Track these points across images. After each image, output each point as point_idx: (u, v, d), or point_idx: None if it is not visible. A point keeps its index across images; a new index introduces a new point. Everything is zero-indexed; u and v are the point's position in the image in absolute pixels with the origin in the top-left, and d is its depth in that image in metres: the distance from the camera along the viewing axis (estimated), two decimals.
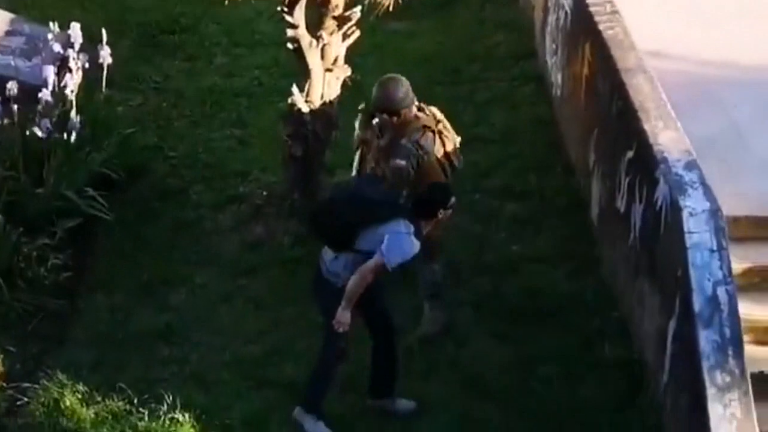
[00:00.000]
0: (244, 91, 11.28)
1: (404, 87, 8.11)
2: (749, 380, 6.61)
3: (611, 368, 7.90)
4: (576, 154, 9.86)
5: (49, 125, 9.02)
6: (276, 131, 9.94)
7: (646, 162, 7.73)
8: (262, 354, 8.07)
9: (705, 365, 6.66)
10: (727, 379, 6.59)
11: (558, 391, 7.79)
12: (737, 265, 7.44)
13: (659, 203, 7.46)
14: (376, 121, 8.24)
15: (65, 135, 9.13)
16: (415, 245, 7.11)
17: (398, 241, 7.06)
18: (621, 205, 8.26)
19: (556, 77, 10.67)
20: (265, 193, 9.61)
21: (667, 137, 7.68)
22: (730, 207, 7.51)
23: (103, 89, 10.09)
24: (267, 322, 8.37)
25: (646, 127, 7.80)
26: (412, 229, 7.13)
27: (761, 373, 7.18)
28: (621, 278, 8.28)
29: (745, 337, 7.06)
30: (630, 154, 8.09)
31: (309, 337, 8.15)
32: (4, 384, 7.58)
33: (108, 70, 9.90)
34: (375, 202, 7.27)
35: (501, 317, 8.48)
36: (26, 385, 7.57)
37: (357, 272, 7.09)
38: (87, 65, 9.55)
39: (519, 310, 8.52)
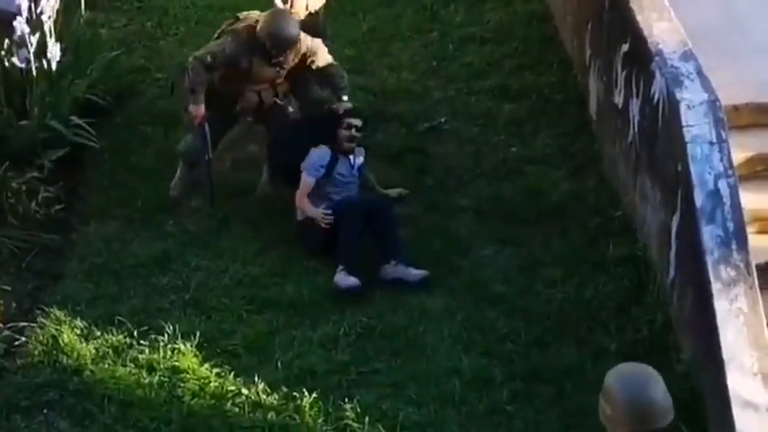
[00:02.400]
0: (230, 5, 10.96)
1: None
2: (755, 273, 6.46)
3: (616, 267, 7.77)
4: (571, 49, 9.63)
5: (27, 55, 8.78)
6: None
7: (641, 55, 7.52)
8: (261, 275, 7.94)
9: (709, 260, 6.53)
10: (732, 273, 6.45)
11: (563, 292, 7.67)
12: (739, 155, 7.28)
13: (656, 97, 7.26)
14: None
15: (46, 63, 8.90)
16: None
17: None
18: (618, 100, 8.06)
19: None
20: None
21: (662, 28, 7.46)
22: (730, 95, 7.32)
23: (83, 12, 9.86)
24: (265, 242, 8.22)
25: (639, 18, 7.57)
26: None
27: (767, 263, 7.05)
28: (622, 175, 8.11)
29: (750, 228, 6.92)
30: (625, 47, 7.87)
31: (309, 257, 8.06)
32: (1, 324, 7.46)
33: None
34: None
35: (502, 221, 8.36)
36: (23, 324, 7.44)
37: None
38: None
39: (520, 213, 8.38)
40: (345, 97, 8.45)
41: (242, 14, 8.57)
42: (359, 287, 7.69)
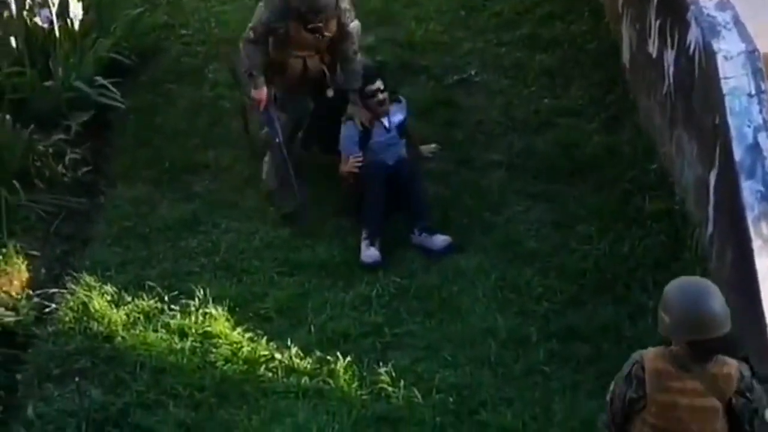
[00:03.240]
0: None
1: None
2: None
3: (653, 221, 7.62)
4: None
5: (49, 14, 8.66)
6: None
7: (676, 3, 7.31)
8: (291, 237, 7.84)
9: (749, 216, 6.36)
10: None
11: (598, 249, 7.53)
12: None
13: (692, 47, 7.07)
14: None
15: (68, 22, 8.77)
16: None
17: None
18: (653, 50, 7.87)
19: None
20: None
21: None
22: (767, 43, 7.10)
23: None
24: None
25: None
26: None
27: None
28: (657, 127, 7.94)
29: None
30: None
31: (339, 217, 7.96)
32: (31, 291, 7.39)
33: None
34: None
35: (535, 176, 8.23)
36: (53, 290, 7.38)
37: None
38: None
39: (553, 167, 8.24)
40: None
41: None
42: (379, 262, 7.55)
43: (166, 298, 7.29)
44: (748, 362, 5.05)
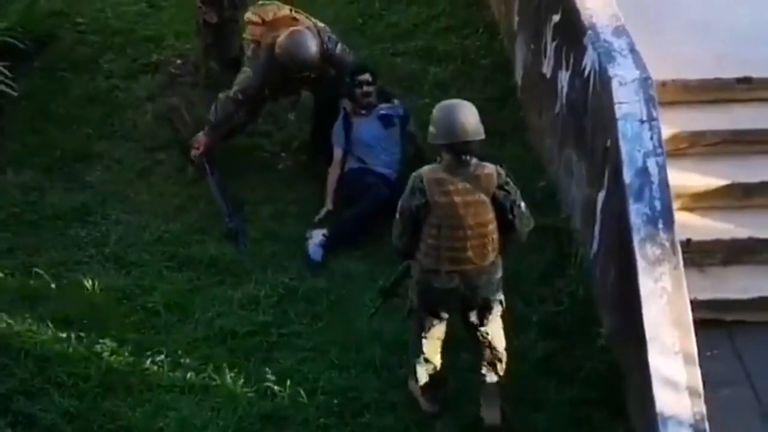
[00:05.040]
0: None
1: None
2: (680, 253, 6.54)
3: (539, 237, 7.76)
4: (499, 14, 9.62)
5: None
6: None
7: (573, 27, 7.52)
8: (182, 232, 7.86)
9: (635, 238, 6.57)
10: (658, 252, 6.51)
11: None
12: (665, 131, 7.31)
13: (587, 70, 7.28)
14: None
15: None
16: None
17: None
18: (547, 70, 8.07)
19: None
20: (179, 61, 9.28)
21: (595, 2, 7.46)
22: (657, 71, 7.35)
23: None
24: (186, 198, 8.15)
25: None
26: None
27: (689, 240, 7.15)
28: (547, 146, 8.14)
29: (673, 205, 6.99)
30: (556, 18, 7.87)
31: None
32: None
33: None
34: None
35: None
36: None
37: None
38: None
39: None
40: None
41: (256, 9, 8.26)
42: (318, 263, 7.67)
43: (53, 286, 7.23)
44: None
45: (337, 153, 8.12)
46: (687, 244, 7.06)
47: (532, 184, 8.15)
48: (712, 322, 6.99)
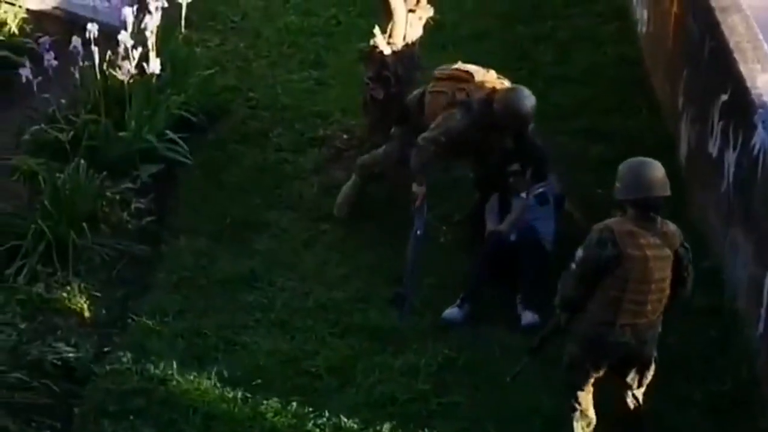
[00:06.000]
0: (322, 31, 11.17)
1: None
2: None
3: (702, 316, 7.72)
4: (663, 95, 9.64)
5: (130, 68, 8.95)
6: (355, 71, 9.85)
7: (743, 106, 7.50)
8: (345, 300, 8.00)
9: None
10: None
11: None
12: None
13: (756, 149, 7.24)
14: None
15: (145, 77, 9.06)
16: None
17: None
18: (713, 149, 8.05)
19: (642, 14, 10.41)
20: (345, 135, 9.52)
21: (766, 80, 7.42)
22: None
23: (182, 29, 10.03)
24: (349, 267, 8.30)
25: (743, 69, 7.55)
26: None
27: None
28: (711, 225, 8.09)
29: None
30: (724, 97, 7.85)
31: (391, 284, 8.12)
32: (91, 329, 7.57)
33: (186, 9, 9.83)
34: None
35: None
36: (113, 330, 7.56)
37: None
38: (165, 4, 9.47)
39: None
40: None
41: (460, 67, 8.48)
42: (458, 320, 7.79)
43: (220, 348, 7.44)
44: None
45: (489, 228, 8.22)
46: None
47: (696, 263, 8.08)
48: None
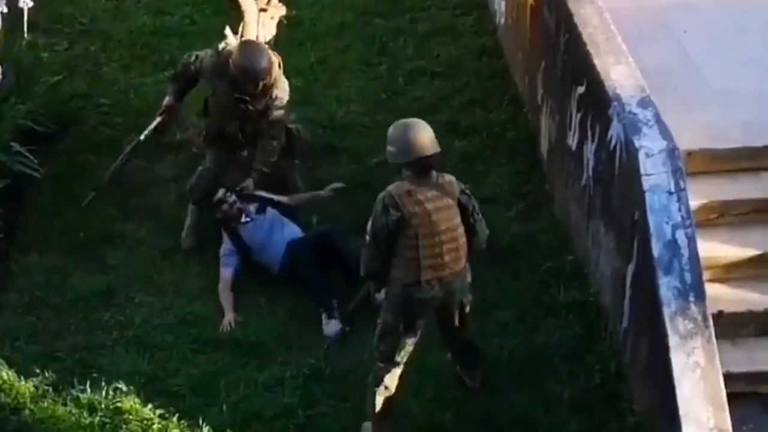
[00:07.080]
0: (176, 31, 10.84)
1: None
2: (712, 326, 6.40)
3: (568, 312, 7.68)
4: (523, 87, 9.57)
5: None
6: None
7: (598, 99, 7.45)
8: (207, 314, 7.79)
9: (666, 312, 6.46)
10: (690, 326, 6.39)
11: (515, 337, 7.57)
12: (693, 202, 7.21)
13: (613, 142, 7.19)
14: None
15: None
16: None
17: None
18: (572, 142, 8.00)
19: (500, 5, 10.34)
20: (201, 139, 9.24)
21: (619, 73, 7.39)
22: (684, 141, 7.26)
23: (26, 34, 9.63)
24: (210, 279, 8.07)
25: (597, 62, 7.50)
26: None
27: (721, 312, 7.01)
28: (574, 219, 8.04)
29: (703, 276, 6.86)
30: (581, 89, 7.80)
31: (251, 293, 7.95)
32: None
33: (29, 12, 9.45)
34: None
35: None
36: None
37: None
38: (5, 9, 9.07)
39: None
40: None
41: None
42: (341, 330, 7.60)
43: (76, 371, 7.17)
44: None
45: (225, 274, 7.99)
46: (719, 317, 6.92)
47: (560, 258, 8.07)
48: (747, 396, 6.84)
